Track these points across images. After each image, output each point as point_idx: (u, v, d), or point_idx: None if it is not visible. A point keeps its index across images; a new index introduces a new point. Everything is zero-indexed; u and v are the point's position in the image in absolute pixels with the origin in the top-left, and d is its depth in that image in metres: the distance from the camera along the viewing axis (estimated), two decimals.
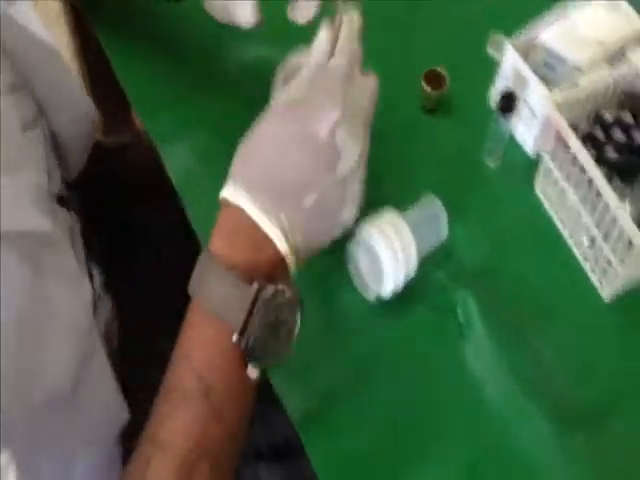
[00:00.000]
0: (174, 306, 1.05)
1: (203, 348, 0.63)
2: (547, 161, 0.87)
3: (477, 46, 0.99)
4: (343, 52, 0.69)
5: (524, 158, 0.94)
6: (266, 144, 0.65)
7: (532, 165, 0.92)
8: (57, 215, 0.85)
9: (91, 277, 0.90)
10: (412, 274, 0.82)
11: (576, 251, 0.87)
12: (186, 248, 0.91)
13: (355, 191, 0.66)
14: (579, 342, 0.83)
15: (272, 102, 0.67)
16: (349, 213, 0.67)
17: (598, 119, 0.87)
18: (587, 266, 0.86)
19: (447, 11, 1.03)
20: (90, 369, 0.80)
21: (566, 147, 0.83)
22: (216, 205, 0.91)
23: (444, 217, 0.85)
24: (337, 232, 0.68)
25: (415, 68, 0.97)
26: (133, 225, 1.05)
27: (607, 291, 0.84)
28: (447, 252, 0.86)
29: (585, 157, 0.79)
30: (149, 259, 1.03)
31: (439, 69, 0.96)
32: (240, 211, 0.64)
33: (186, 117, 0.94)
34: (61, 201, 0.87)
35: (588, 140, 0.86)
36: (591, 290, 0.85)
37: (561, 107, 0.83)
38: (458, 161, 0.94)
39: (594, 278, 0.85)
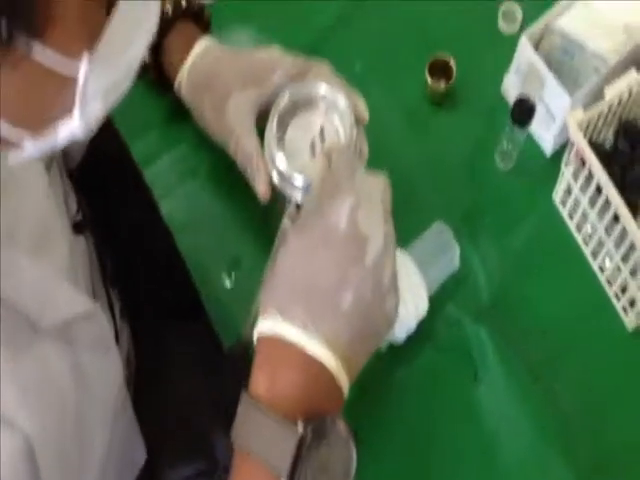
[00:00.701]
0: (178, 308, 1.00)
1: None
2: (568, 177, 0.79)
3: (488, 20, 0.89)
4: (338, 157, 0.64)
5: (540, 158, 0.86)
6: (288, 262, 0.59)
7: (549, 166, 0.85)
8: (78, 248, 0.79)
9: (111, 307, 0.84)
10: (422, 317, 0.76)
11: (598, 273, 0.81)
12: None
13: (390, 276, 0.60)
14: (599, 380, 0.78)
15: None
16: (391, 302, 0.60)
17: (624, 129, 0.79)
18: (610, 291, 0.80)
19: None
20: (120, 423, 0.77)
21: (590, 172, 0.75)
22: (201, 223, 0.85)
23: (456, 248, 0.78)
24: (384, 329, 0.60)
25: (420, 52, 0.87)
26: (124, 228, 0.98)
27: (632, 320, 0.78)
28: (458, 279, 0.80)
29: (612, 192, 0.72)
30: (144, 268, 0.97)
31: (446, 58, 0.86)
32: (276, 339, 0.57)
33: (170, 135, 0.86)
34: (77, 228, 0.81)
35: (614, 155, 0.78)
36: (614, 318, 0.79)
37: (583, 124, 0.75)
38: (467, 164, 0.86)
39: (617, 304, 0.79)
